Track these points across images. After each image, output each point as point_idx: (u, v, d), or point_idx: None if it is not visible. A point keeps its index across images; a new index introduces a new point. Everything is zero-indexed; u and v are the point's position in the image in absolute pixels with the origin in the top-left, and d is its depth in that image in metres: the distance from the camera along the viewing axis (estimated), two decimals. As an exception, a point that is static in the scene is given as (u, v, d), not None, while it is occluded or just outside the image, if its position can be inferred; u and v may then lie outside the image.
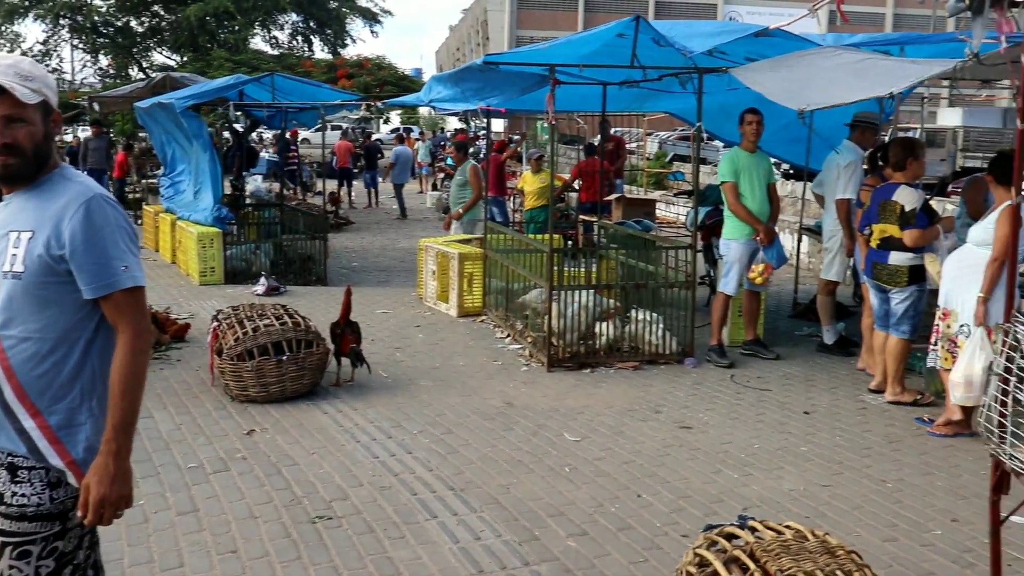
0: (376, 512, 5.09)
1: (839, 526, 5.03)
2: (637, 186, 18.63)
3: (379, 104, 17.15)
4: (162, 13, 43.77)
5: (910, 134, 25.82)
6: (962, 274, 6.32)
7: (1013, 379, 3.22)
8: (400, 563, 4.51)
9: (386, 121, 53.67)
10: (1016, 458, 3.12)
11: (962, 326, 6.36)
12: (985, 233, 6.22)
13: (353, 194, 24.74)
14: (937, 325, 6.60)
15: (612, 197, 12.45)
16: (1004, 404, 3.24)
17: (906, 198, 7.01)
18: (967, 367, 6.08)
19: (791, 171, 17.89)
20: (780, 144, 10.73)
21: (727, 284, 8.27)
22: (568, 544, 4.75)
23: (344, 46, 45.07)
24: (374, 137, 30.36)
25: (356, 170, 26.22)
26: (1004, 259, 6.06)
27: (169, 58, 43.89)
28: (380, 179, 25.20)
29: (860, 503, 5.36)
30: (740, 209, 8.07)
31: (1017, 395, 3.18)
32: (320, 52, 45.13)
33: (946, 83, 14.56)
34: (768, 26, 7.79)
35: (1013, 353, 3.29)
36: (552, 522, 5.01)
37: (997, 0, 3.56)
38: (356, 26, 46.49)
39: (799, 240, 11.11)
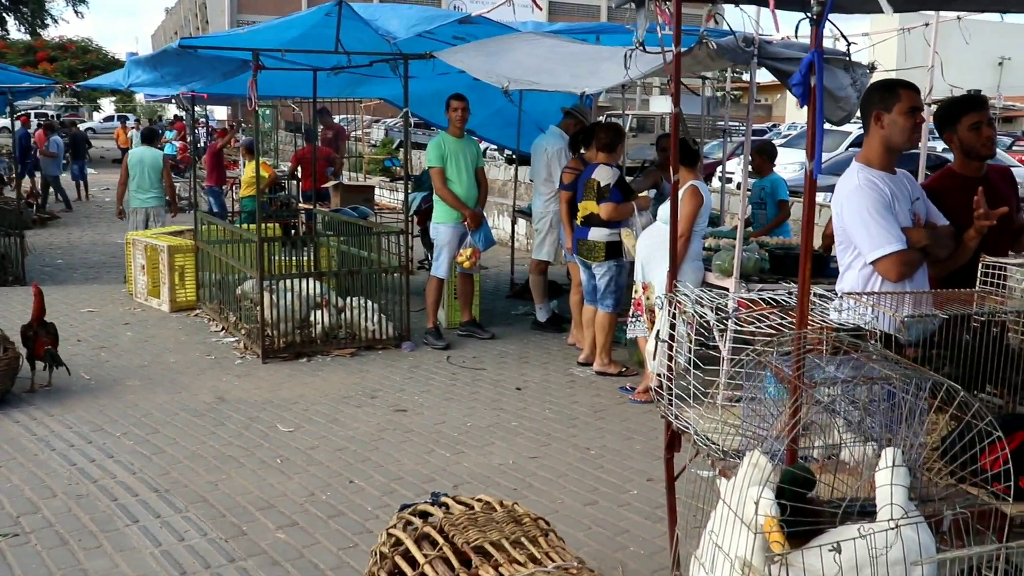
0: (70, 523, 4.80)
1: (544, 495, 5.24)
2: (358, 172, 18.58)
3: (75, 87, 16.03)
4: None
5: (620, 120, 27.32)
6: (653, 249, 6.72)
7: (675, 344, 3.45)
8: (95, 574, 4.27)
9: (97, 108, 50.49)
10: (680, 418, 3.35)
11: (657, 297, 6.78)
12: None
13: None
14: (637, 297, 7.00)
15: (330, 184, 12.31)
16: (670, 368, 3.47)
17: (602, 175, 7.38)
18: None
19: (514, 156, 18.43)
20: (493, 128, 11.03)
21: (438, 268, 8.40)
22: (277, 536, 4.67)
23: (44, 26, 41.94)
24: (85, 126, 28.48)
25: (64, 161, 24.51)
26: (688, 235, 6.53)
27: None
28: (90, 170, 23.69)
29: (565, 471, 5.60)
30: (447, 194, 8.22)
31: (678, 359, 3.42)
32: (16, 32, 41.77)
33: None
34: (470, 13, 7.96)
35: (675, 320, 3.53)
36: (261, 515, 4.91)
37: (654, -5, 3.78)
38: (58, 5, 43.44)
39: (514, 222, 11.44)
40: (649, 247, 6.76)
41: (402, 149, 26.14)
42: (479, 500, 3.53)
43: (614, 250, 7.37)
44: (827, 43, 7.41)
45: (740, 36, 5.79)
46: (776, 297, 3.49)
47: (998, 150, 22.37)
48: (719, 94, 11.67)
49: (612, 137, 7.53)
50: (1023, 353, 3.37)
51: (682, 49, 6.09)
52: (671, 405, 3.43)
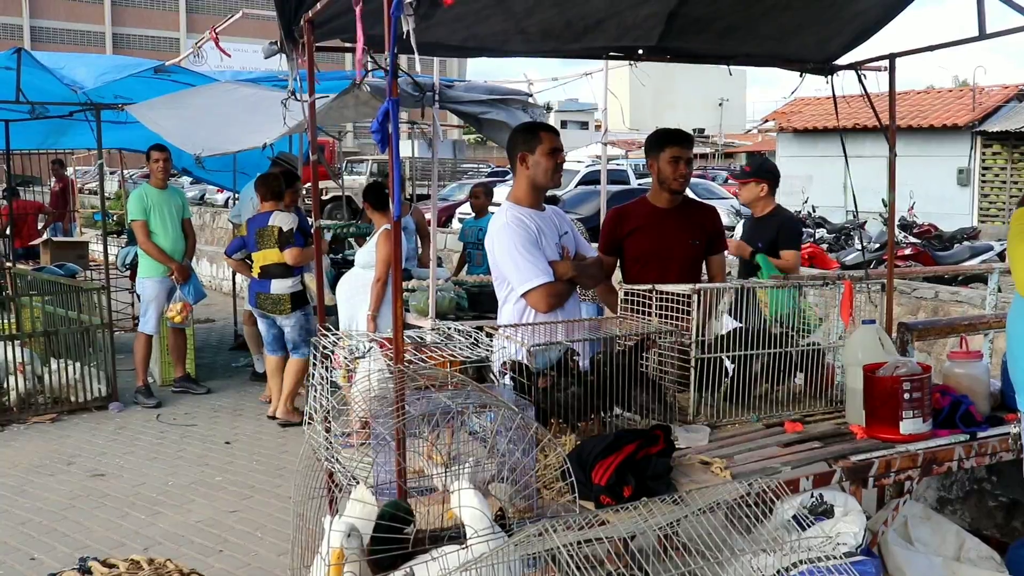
0: None
1: (239, 548, 5.16)
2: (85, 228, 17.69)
3: None
4: None
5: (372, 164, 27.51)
6: (354, 294, 6.77)
7: (320, 386, 3.49)
8: None
9: None
10: (333, 459, 3.38)
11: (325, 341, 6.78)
12: (368, 256, 6.72)
13: None
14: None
15: (39, 241, 11.65)
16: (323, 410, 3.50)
17: (281, 221, 7.29)
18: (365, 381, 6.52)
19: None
20: (211, 170, 10.73)
21: (145, 324, 8.11)
22: (-65, 624, 4.35)
23: None
24: None
25: None
26: (386, 278, 6.61)
27: None
28: None
29: (264, 523, 5.53)
30: (151, 248, 7.94)
31: (323, 401, 3.46)
32: None
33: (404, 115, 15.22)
34: (164, 62, 7.81)
35: (325, 361, 3.58)
36: (-80, 603, 4.56)
37: (294, 46, 3.85)
38: None
39: (234, 272, 11.14)
40: (350, 292, 6.79)
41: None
42: (128, 560, 3.42)
43: (299, 299, 7.31)
44: (517, 85, 7.79)
45: (419, 82, 5.97)
46: (416, 335, 3.61)
47: (713, 182, 23.91)
48: (468, 138, 11.90)
49: (275, 186, 7.47)
50: (649, 375, 3.62)
51: (331, 96, 6.23)
52: (326, 448, 3.47)
